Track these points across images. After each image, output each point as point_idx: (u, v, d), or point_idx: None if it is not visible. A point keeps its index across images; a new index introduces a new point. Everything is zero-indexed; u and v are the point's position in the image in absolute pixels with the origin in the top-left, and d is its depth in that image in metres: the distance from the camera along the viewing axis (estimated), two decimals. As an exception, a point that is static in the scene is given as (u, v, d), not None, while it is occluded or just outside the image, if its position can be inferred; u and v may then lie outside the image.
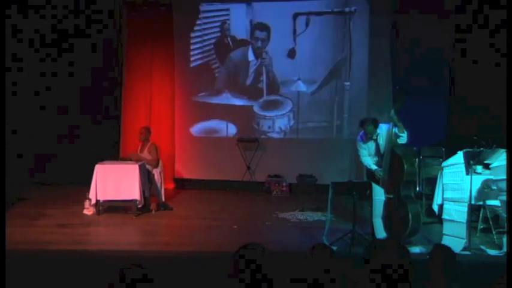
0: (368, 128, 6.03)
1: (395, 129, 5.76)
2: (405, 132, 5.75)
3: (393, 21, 9.09)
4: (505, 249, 5.53)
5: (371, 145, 6.11)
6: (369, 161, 6.13)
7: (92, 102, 9.74)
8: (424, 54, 8.88)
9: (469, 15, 8.54)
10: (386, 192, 5.94)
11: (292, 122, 9.79)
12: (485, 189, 5.95)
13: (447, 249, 3.53)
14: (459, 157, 5.91)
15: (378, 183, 6.02)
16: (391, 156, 5.81)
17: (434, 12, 8.74)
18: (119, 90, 9.91)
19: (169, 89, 9.97)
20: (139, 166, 7.49)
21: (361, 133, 6.21)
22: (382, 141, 5.98)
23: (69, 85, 9.65)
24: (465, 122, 8.49)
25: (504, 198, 5.45)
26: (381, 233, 6.05)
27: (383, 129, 5.98)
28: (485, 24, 8.31)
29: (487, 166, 5.98)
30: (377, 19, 9.20)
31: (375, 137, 6.05)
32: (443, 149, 7.57)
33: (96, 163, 7.55)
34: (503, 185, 5.54)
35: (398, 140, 5.81)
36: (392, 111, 5.74)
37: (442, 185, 6.09)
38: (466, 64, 8.68)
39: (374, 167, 6.03)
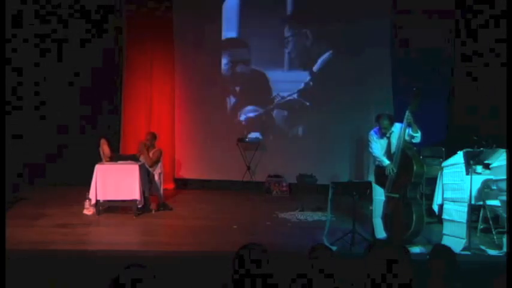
0: (383, 122, 6.00)
1: (410, 130, 5.76)
2: (419, 132, 5.78)
3: (393, 22, 9.09)
4: (505, 249, 5.53)
5: (384, 142, 6.10)
6: (380, 153, 6.07)
7: (92, 102, 9.72)
8: (424, 54, 8.88)
9: (469, 15, 8.55)
10: (393, 191, 5.93)
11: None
12: (485, 189, 5.95)
13: (447, 249, 3.53)
14: (459, 157, 5.92)
15: (385, 181, 6.00)
16: (401, 156, 5.82)
17: (434, 12, 8.74)
18: (119, 90, 9.90)
19: (169, 89, 9.97)
20: (139, 166, 7.49)
21: (375, 128, 6.19)
22: (394, 139, 5.97)
23: (70, 85, 9.63)
24: (465, 122, 8.49)
25: (504, 198, 5.45)
26: (380, 233, 6.05)
27: (397, 128, 5.97)
28: (485, 24, 8.31)
29: (487, 166, 5.98)
30: (377, 19, 9.20)
31: (388, 135, 6.04)
32: (443, 149, 7.57)
33: (96, 163, 7.56)
34: (503, 185, 5.55)
35: (413, 140, 5.83)
36: (408, 112, 5.74)
37: (442, 185, 6.09)
38: (466, 64, 8.68)
39: (386, 162, 5.97)
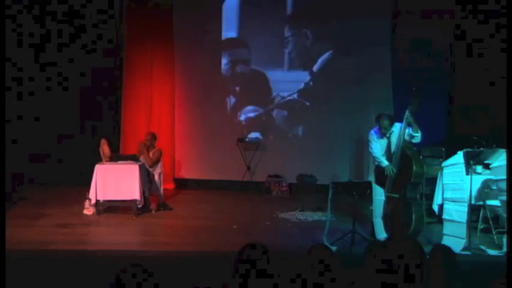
0: (383, 122, 6.00)
1: (410, 130, 5.76)
2: (419, 132, 5.78)
3: (393, 22, 9.09)
4: (505, 249, 5.53)
5: (384, 142, 6.09)
6: (380, 153, 6.07)
7: (92, 102, 9.72)
8: (424, 54, 8.89)
9: (469, 15, 8.55)
10: (393, 191, 5.92)
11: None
12: (485, 189, 5.95)
13: (447, 249, 3.53)
14: (459, 157, 5.92)
15: (384, 181, 5.99)
16: (401, 156, 5.81)
17: (435, 12, 8.74)
18: (119, 90, 9.90)
19: (169, 89, 9.97)
20: (139, 166, 7.49)
21: (375, 128, 6.18)
22: (395, 139, 5.96)
23: (70, 85, 9.63)
24: (465, 122, 8.50)
25: (504, 198, 5.45)
26: (381, 233, 6.05)
27: (397, 128, 5.97)
28: (485, 24, 8.31)
29: (487, 166, 5.98)
30: (377, 19, 9.20)
31: (388, 135, 6.03)
32: (443, 149, 7.57)
33: (96, 163, 7.56)
34: (503, 185, 5.55)
35: (413, 140, 5.83)
36: (407, 112, 5.73)
37: (442, 185, 6.09)
38: (466, 64, 8.68)
39: (386, 163, 5.97)
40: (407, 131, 5.79)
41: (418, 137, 5.80)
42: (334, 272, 2.93)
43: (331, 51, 9.60)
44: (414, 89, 5.81)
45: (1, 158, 5.81)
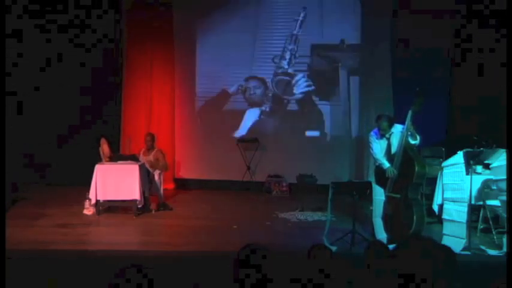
0: (382, 124, 5.98)
1: (409, 138, 5.75)
2: (418, 139, 5.78)
3: (393, 21, 9.09)
4: (505, 249, 5.53)
5: (383, 143, 6.07)
6: (381, 154, 6.03)
7: (92, 102, 9.72)
8: (424, 54, 8.88)
9: (469, 15, 8.54)
10: (394, 191, 5.91)
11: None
12: (485, 189, 5.95)
13: (447, 249, 3.53)
14: (459, 157, 5.91)
15: (385, 182, 5.98)
16: (402, 157, 5.79)
17: (434, 12, 8.74)
18: (119, 90, 9.90)
19: (169, 89, 9.96)
20: (139, 166, 7.49)
21: (375, 129, 6.16)
22: (395, 140, 5.94)
23: (70, 85, 9.63)
24: (465, 122, 8.49)
25: (504, 198, 5.46)
26: (380, 233, 6.04)
27: (397, 129, 5.95)
28: (485, 23, 8.31)
29: (487, 166, 5.98)
30: (377, 19, 9.21)
31: (388, 136, 6.01)
32: (443, 149, 7.57)
33: (96, 163, 7.56)
34: (503, 185, 5.55)
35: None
36: (410, 114, 5.68)
37: (442, 185, 6.09)
38: (466, 64, 8.68)
39: (387, 165, 5.91)
40: (407, 136, 5.76)
41: (416, 144, 5.81)
42: (334, 271, 2.94)
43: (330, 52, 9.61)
44: (417, 89, 5.80)
45: (1, 158, 5.81)
